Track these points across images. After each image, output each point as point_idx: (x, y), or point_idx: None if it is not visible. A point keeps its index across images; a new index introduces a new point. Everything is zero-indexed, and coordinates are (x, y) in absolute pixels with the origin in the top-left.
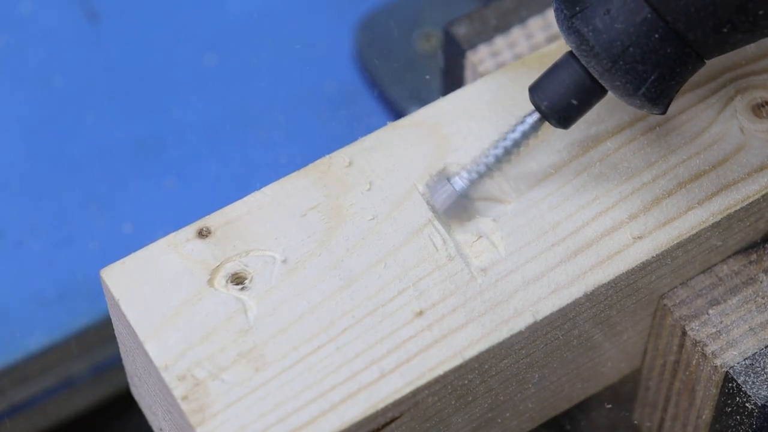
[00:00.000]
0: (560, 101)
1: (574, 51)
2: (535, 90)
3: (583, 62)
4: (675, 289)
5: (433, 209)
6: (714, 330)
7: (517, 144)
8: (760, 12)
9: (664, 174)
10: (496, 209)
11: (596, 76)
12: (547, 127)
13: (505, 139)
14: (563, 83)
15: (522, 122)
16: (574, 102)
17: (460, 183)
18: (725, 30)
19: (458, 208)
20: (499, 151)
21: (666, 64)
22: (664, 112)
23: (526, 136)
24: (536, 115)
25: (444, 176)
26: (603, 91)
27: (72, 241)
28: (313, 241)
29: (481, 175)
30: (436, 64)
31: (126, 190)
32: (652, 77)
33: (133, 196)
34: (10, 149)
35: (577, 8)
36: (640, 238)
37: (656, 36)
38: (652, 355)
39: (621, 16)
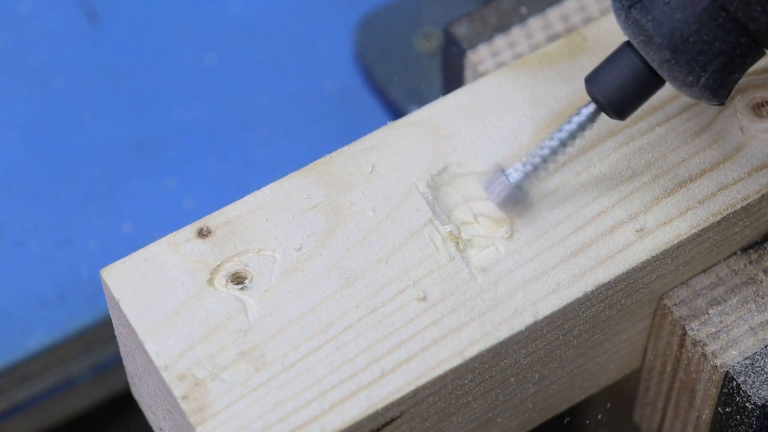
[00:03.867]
0: (617, 92)
1: (632, 41)
2: (591, 80)
3: (641, 53)
4: (675, 289)
5: (434, 206)
6: (714, 330)
7: (572, 135)
8: None
9: (664, 173)
10: (497, 209)
11: (655, 66)
12: (603, 118)
13: (560, 130)
14: (620, 74)
15: (578, 113)
16: (632, 93)
17: (515, 175)
18: None
19: (513, 200)
20: (555, 142)
21: (726, 54)
22: (723, 103)
23: (582, 127)
24: (592, 106)
25: (498, 168)
26: (661, 82)
27: (72, 241)
28: (313, 241)
29: (536, 167)
30: (436, 64)
31: (126, 190)
32: (713, 68)
33: (133, 196)
34: (10, 149)
35: None
36: (640, 237)
37: (717, 26)
38: (652, 355)
39: (681, 6)
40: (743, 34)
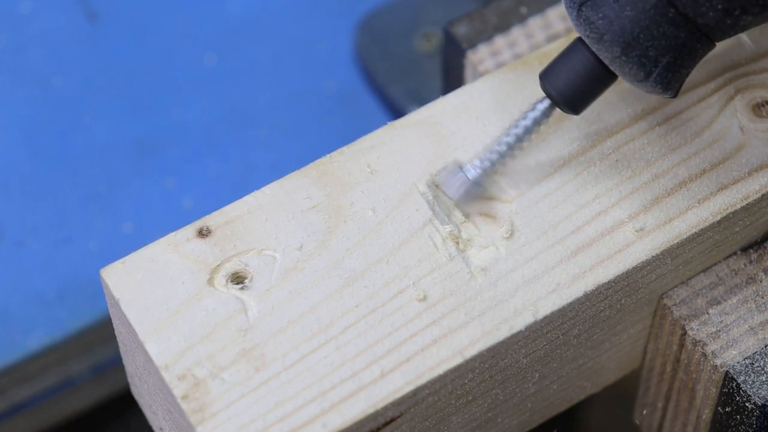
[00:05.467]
0: (571, 87)
1: (583, 38)
2: (545, 76)
3: (593, 49)
4: (675, 289)
5: (434, 206)
6: (714, 330)
7: (528, 131)
8: None
9: (664, 173)
10: (497, 208)
11: (607, 62)
12: (558, 114)
13: (516, 126)
14: (573, 69)
15: (533, 109)
16: (585, 88)
17: (472, 171)
18: (735, 13)
19: (471, 196)
20: (511, 138)
21: (676, 49)
22: (675, 96)
23: (537, 122)
24: (547, 102)
25: (456, 165)
26: (613, 77)
27: (72, 241)
28: (313, 241)
29: (494, 163)
30: (436, 64)
31: (126, 190)
32: (663, 62)
33: (133, 196)
34: (10, 149)
35: None
36: (640, 237)
37: (666, 22)
38: (652, 355)
39: (630, 3)
40: (692, 29)
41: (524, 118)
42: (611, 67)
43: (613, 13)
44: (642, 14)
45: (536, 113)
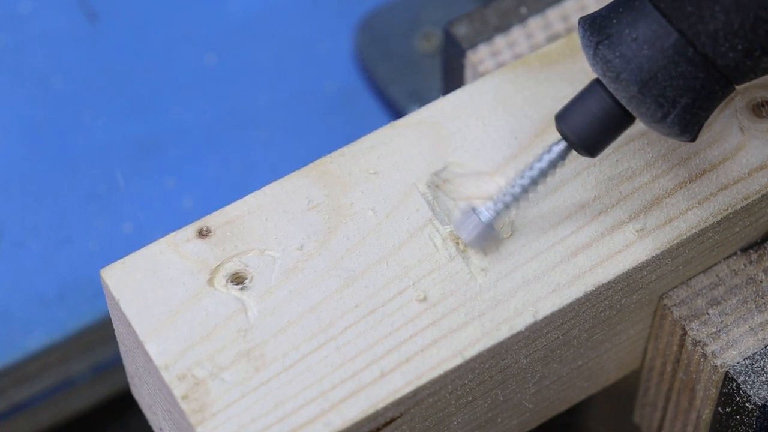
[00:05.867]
0: (587, 130)
1: (600, 78)
2: (561, 118)
3: (610, 89)
4: (675, 289)
5: (434, 206)
6: (714, 330)
7: (543, 173)
8: None
9: (664, 173)
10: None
11: (624, 103)
12: (574, 155)
13: (531, 168)
14: (590, 111)
15: (549, 151)
16: (602, 130)
17: (486, 214)
18: (756, 54)
19: (484, 238)
20: (526, 180)
21: (695, 89)
22: (693, 140)
23: (552, 165)
24: (563, 144)
25: (470, 207)
26: (631, 119)
27: (72, 241)
28: (313, 241)
29: (508, 206)
30: (436, 64)
31: (126, 190)
32: (681, 103)
33: (133, 196)
34: (10, 149)
35: (604, 35)
36: (640, 237)
37: (685, 61)
38: (652, 355)
39: (648, 42)
40: (712, 70)
41: (539, 160)
42: (628, 107)
43: (631, 51)
44: (660, 53)
45: (552, 155)
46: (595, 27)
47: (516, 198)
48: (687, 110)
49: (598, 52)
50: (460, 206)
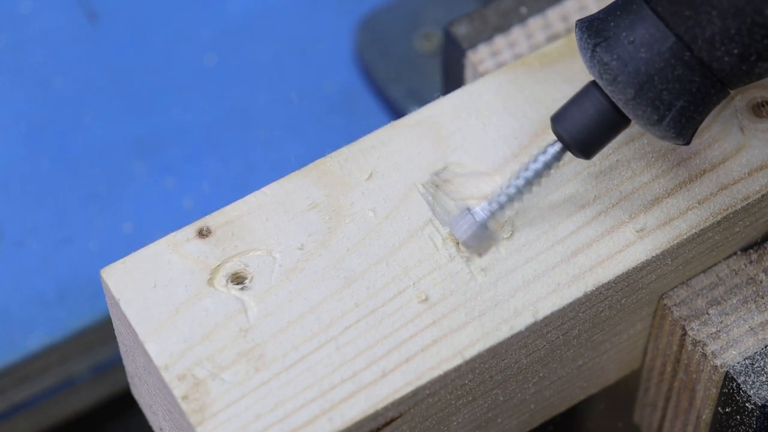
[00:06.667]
0: (583, 131)
1: (597, 80)
2: (557, 120)
3: (606, 91)
4: (675, 289)
5: (434, 206)
6: (714, 330)
7: (538, 174)
8: None
9: (665, 173)
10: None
11: (620, 105)
12: (569, 157)
13: (526, 169)
14: (586, 113)
15: (544, 152)
16: (597, 132)
17: (481, 214)
18: (751, 59)
19: (479, 239)
20: (521, 181)
21: (690, 93)
22: (688, 143)
23: (547, 166)
24: (558, 146)
25: (465, 207)
26: (626, 121)
27: (72, 241)
28: (313, 241)
29: (502, 206)
30: (436, 64)
31: (126, 190)
32: (677, 107)
33: (133, 196)
34: (10, 149)
35: (601, 37)
36: (640, 237)
37: (681, 65)
38: (652, 355)
39: (646, 45)
40: (707, 74)
41: (534, 161)
42: (624, 110)
43: (628, 54)
44: (657, 56)
45: (547, 157)
46: (592, 29)
47: (511, 198)
48: (683, 114)
49: (595, 55)
50: (456, 206)
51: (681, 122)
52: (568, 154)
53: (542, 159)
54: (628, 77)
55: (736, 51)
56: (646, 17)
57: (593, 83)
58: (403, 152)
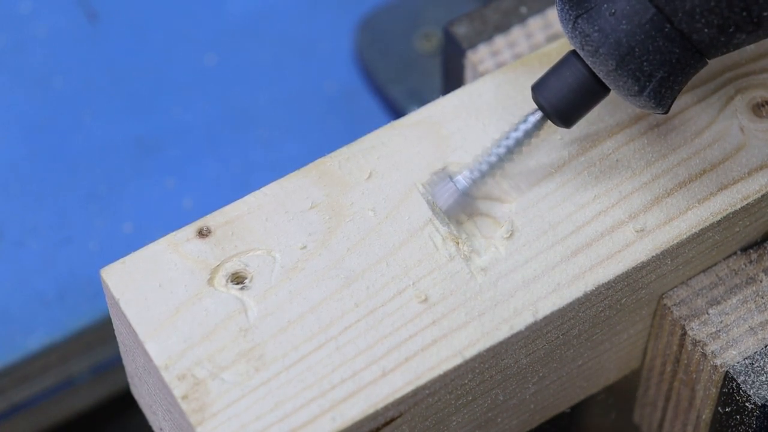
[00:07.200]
0: (563, 100)
1: (578, 51)
2: (537, 88)
3: (587, 62)
4: (675, 289)
5: (434, 206)
6: (714, 330)
7: (519, 143)
8: (765, 13)
9: (664, 173)
10: (497, 209)
11: (600, 76)
12: (550, 126)
13: (507, 137)
14: (566, 82)
15: (524, 121)
16: (577, 101)
17: (462, 182)
18: (730, 31)
19: (460, 207)
20: (502, 149)
21: (670, 64)
22: (666, 112)
23: (528, 134)
24: (539, 114)
25: (446, 175)
26: (606, 91)
27: (72, 241)
28: (313, 241)
29: (484, 174)
30: (436, 64)
31: (126, 190)
32: (657, 77)
33: (133, 196)
34: (10, 149)
35: (582, 9)
36: (640, 237)
37: (661, 36)
38: (652, 355)
39: (626, 17)
40: (687, 45)
41: (515, 129)
42: (605, 81)
43: (609, 26)
44: (638, 28)
45: (528, 125)
46: (573, 1)
47: (492, 166)
48: (662, 84)
49: (576, 26)
50: (438, 175)
51: (661, 92)
52: (549, 123)
53: (523, 128)
54: (609, 49)
55: (715, 22)
56: None
57: (573, 53)
58: (403, 152)
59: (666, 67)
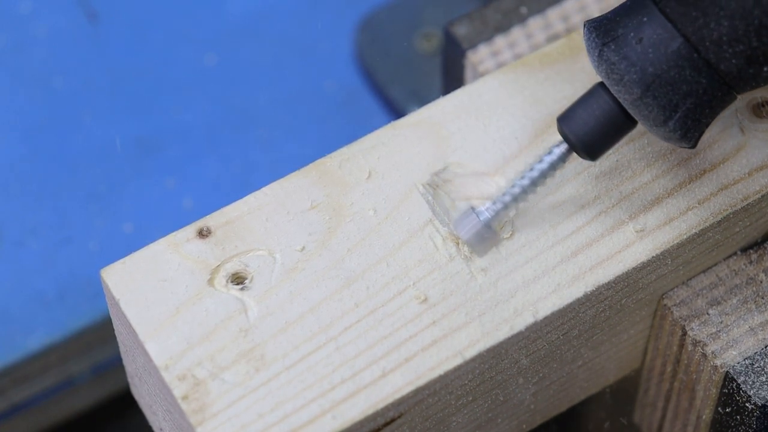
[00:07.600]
0: (589, 133)
1: (604, 80)
2: (563, 120)
3: (612, 91)
4: (675, 289)
5: (434, 207)
6: (714, 330)
7: (543, 175)
8: None
9: (665, 173)
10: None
11: (626, 105)
12: (575, 158)
13: (531, 169)
14: (593, 114)
15: (549, 153)
16: (603, 133)
17: (485, 214)
18: (758, 62)
19: (482, 238)
20: (525, 181)
21: (697, 95)
22: (693, 146)
23: (553, 167)
24: (564, 146)
25: (469, 207)
26: (633, 123)
27: (72, 241)
28: (313, 241)
29: (506, 206)
30: (436, 64)
31: (126, 190)
32: (683, 108)
33: (133, 196)
34: (10, 149)
35: (609, 37)
36: (640, 237)
37: (688, 66)
38: (652, 355)
39: (653, 46)
40: (714, 76)
41: (540, 161)
42: (630, 111)
43: (635, 54)
44: (664, 57)
45: (553, 157)
46: (600, 30)
47: (515, 198)
48: (688, 115)
49: (602, 55)
50: (459, 206)
51: (687, 124)
52: (573, 155)
53: (548, 159)
54: (635, 77)
55: (743, 53)
56: (655, 18)
57: (600, 84)
58: (403, 152)
59: (692, 97)
